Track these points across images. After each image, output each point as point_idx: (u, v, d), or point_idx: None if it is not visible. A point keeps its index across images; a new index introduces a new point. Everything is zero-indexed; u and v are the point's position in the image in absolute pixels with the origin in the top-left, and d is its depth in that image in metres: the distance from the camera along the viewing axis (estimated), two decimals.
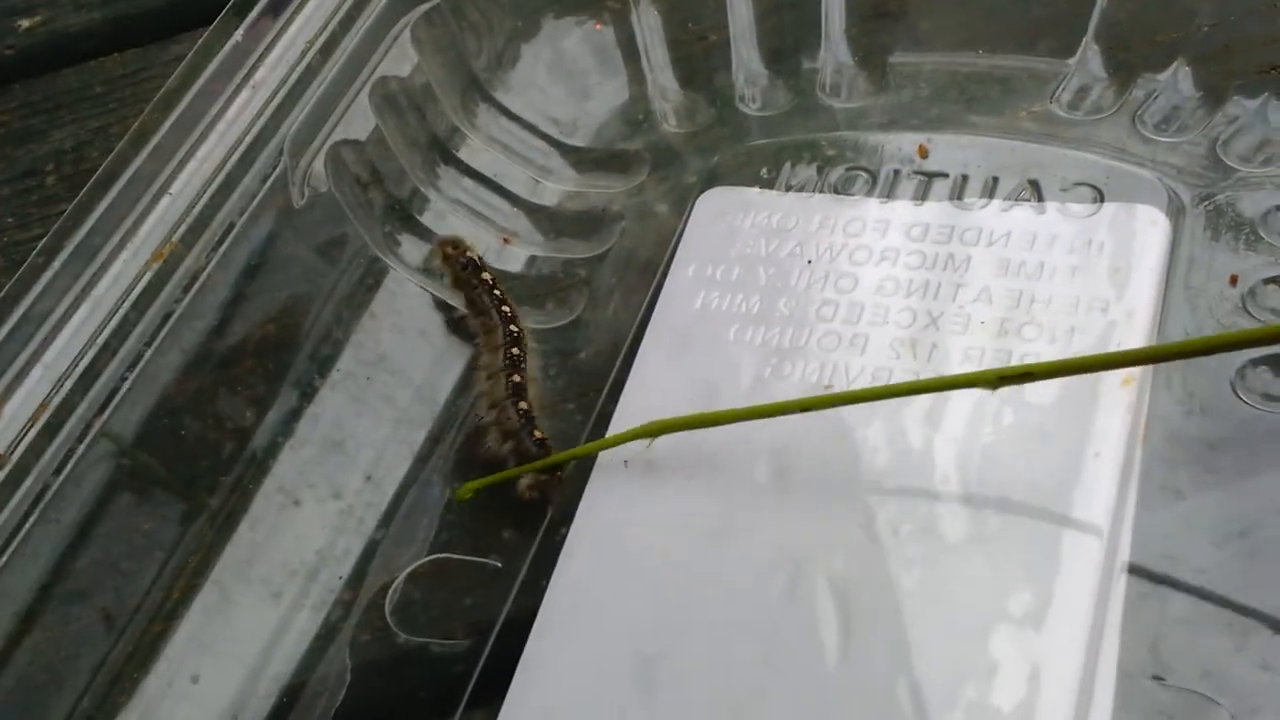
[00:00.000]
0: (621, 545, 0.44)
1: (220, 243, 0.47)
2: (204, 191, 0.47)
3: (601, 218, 0.55)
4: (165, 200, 0.47)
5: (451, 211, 0.54)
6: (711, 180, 0.54)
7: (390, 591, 0.45)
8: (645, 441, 0.45)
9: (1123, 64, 0.52)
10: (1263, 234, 0.47)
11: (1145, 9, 0.53)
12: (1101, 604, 0.39)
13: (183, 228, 0.46)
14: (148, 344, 0.45)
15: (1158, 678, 0.38)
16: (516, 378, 0.48)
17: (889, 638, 0.40)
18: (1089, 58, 0.53)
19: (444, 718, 0.42)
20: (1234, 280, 0.46)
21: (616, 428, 0.47)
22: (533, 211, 0.55)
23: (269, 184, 0.48)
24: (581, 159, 0.57)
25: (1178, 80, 0.51)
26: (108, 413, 0.44)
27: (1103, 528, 0.40)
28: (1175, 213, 0.48)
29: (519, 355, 0.48)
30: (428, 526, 0.47)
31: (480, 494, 0.46)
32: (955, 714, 0.38)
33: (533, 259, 0.54)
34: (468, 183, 0.55)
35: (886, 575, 0.41)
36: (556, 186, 0.56)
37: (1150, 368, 0.44)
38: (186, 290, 0.46)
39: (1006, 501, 0.42)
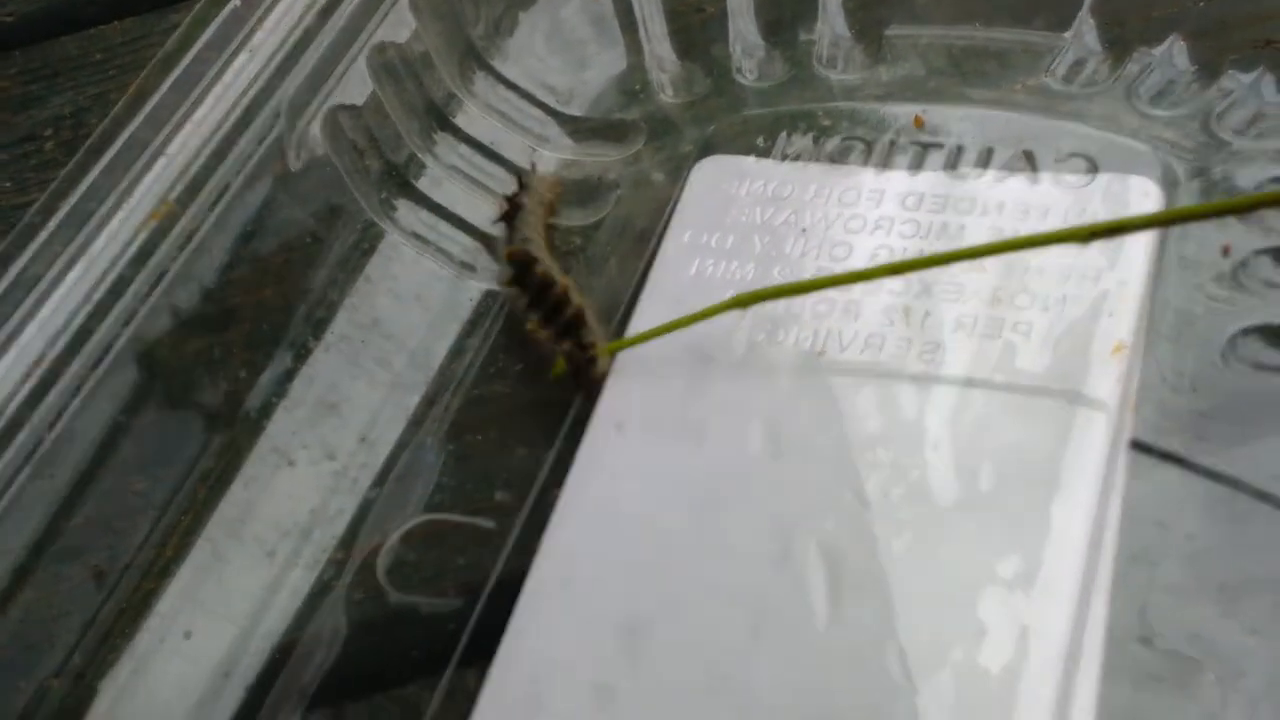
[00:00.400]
0: (612, 510, 0.44)
1: (215, 204, 0.47)
2: (200, 153, 0.47)
3: (597, 186, 0.55)
4: (161, 162, 0.47)
5: (448, 178, 0.54)
6: (707, 150, 0.54)
7: (383, 551, 0.45)
8: (637, 405, 0.45)
9: (1118, 38, 0.52)
10: None
11: None
12: (1090, 568, 0.39)
13: (178, 188, 0.46)
14: (142, 302, 0.45)
15: (1145, 641, 0.38)
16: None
17: (878, 602, 0.40)
18: (1084, 32, 0.53)
19: (435, 676, 0.42)
20: (1226, 250, 0.46)
21: (611, 393, 0.47)
22: None
23: (265, 147, 0.48)
24: (578, 128, 0.57)
25: (1173, 54, 0.51)
26: (101, 369, 0.44)
27: (1092, 493, 0.41)
28: (1169, 184, 0.48)
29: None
30: (421, 488, 0.47)
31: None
32: (943, 676, 0.38)
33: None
34: (464, 149, 0.55)
35: (876, 540, 0.41)
36: (553, 155, 0.56)
37: (1141, 335, 0.44)
38: (181, 250, 0.46)
39: (997, 467, 0.42)
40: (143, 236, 0.45)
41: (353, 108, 0.51)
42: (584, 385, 0.47)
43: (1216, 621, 0.38)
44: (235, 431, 0.47)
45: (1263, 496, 0.40)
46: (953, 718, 0.37)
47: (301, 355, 0.48)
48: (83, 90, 0.65)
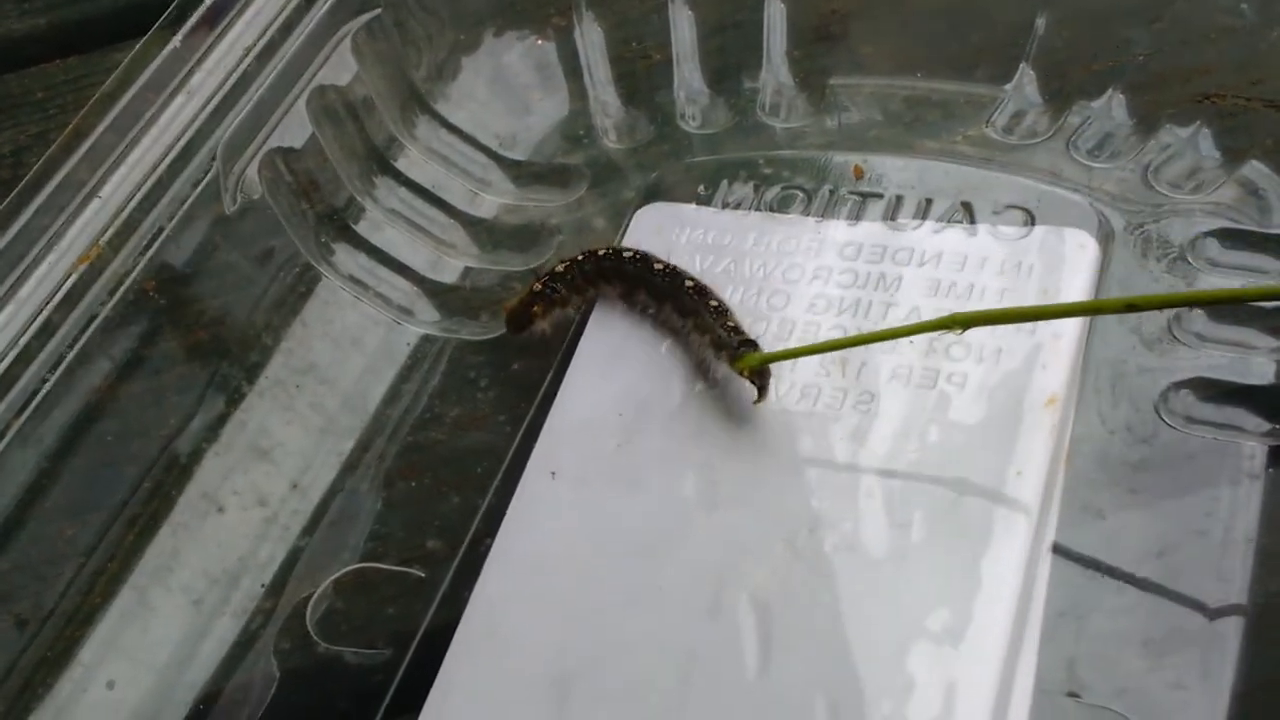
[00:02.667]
0: (545, 559, 0.44)
1: (148, 247, 0.46)
2: (134, 195, 0.46)
3: (539, 231, 0.55)
4: (95, 204, 0.46)
5: (388, 222, 0.54)
6: (650, 196, 0.54)
7: (313, 600, 0.45)
8: (572, 453, 0.45)
9: (1058, 91, 0.53)
10: (1190, 259, 0.47)
11: (1081, 37, 0.53)
12: (1020, 621, 0.39)
13: (110, 231, 0.46)
14: (70, 347, 0.44)
15: (1073, 695, 0.38)
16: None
17: (808, 654, 0.40)
18: (1025, 84, 0.53)
19: None
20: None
21: (546, 440, 0.46)
22: (470, 223, 0.55)
23: (200, 189, 0.48)
24: (521, 173, 0.57)
25: (1112, 107, 0.52)
26: (26, 414, 0.43)
27: (1024, 546, 0.41)
28: (1105, 237, 0.48)
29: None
30: (353, 535, 0.46)
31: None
32: None
33: (468, 270, 0.54)
34: (404, 193, 0.55)
35: (808, 591, 0.41)
36: (495, 199, 0.56)
37: (1074, 391, 0.44)
38: (113, 294, 0.45)
39: (929, 518, 0.42)
40: (73, 279, 0.45)
41: (291, 150, 0.51)
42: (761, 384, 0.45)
43: (1144, 676, 0.38)
44: (164, 476, 0.46)
45: None
46: None
47: (234, 400, 0.48)
48: (23, 129, 0.65)
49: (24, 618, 0.43)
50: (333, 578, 0.45)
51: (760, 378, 0.45)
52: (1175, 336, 0.45)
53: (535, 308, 0.49)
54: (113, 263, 0.45)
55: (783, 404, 0.45)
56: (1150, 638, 0.39)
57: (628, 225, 0.53)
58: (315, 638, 0.44)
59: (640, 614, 0.42)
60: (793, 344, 0.47)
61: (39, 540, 0.45)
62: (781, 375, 0.46)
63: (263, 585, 0.45)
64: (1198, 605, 0.39)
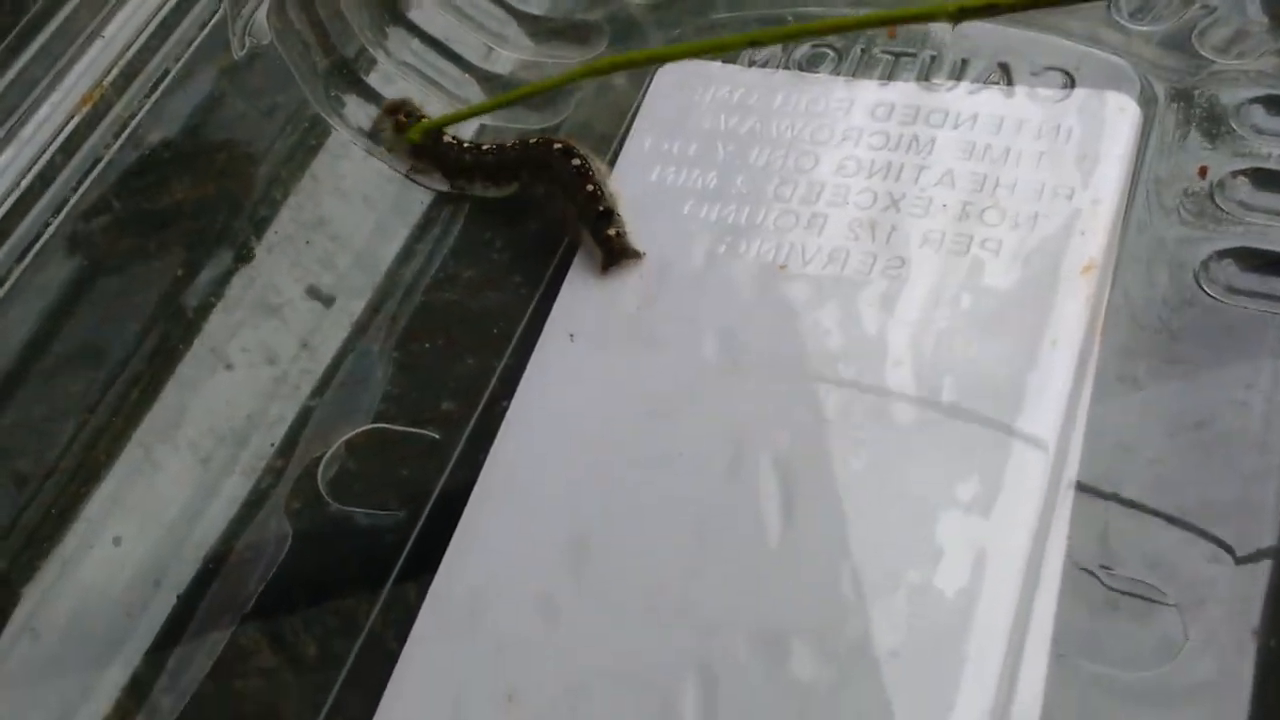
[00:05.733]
0: (562, 421, 0.43)
1: (153, 90, 0.45)
2: (138, 37, 0.44)
3: (557, 89, 0.53)
4: (98, 44, 0.44)
5: (399, 74, 0.52)
6: None
7: (324, 460, 0.44)
8: (591, 314, 0.44)
9: None
10: (1235, 126, 0.46)
11: None
12: (1051, 492, 0.38)
13: (114, 72, 0.44)
14: (72, 191, 0.42)
15: (1105, 567, 0.37)
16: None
17: (831, 519, 0.39)
18: None
19: (374, 589, 0.41)
20: (1203, 172, 0.45)
21: (564, 301, 0.45)
22: (485, 79, 0.53)
23: (207, 32, 0.46)
24: (538, 28, 0.55)
25: None
26: (26, 262, 0.42)
27: (1056, 416, 0.39)
28: (1147, 102, 0.47)
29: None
30: (365, 397, 0.45)
31: None
32: (897, 598, 0.37)
33: (483, 128, 0.52)
34: (417, 45, 0.52)
35: (833, 456, 0.40)
36: (511, 55, 0.54)
37: (1113, 255, 0.43)
38: (116, 138, 0.44)
39: (959, 387, 0.40)
40: (75, 121, 0.43)
41: None
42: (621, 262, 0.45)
43: (1177, 548, 0.37)
44: (170, 330, 0.44)
45: None
46: (905, 641, 0.36)
47: (242, 255, 0.46)
48: None
49: (24, 474, 0.42)
50: (345, 438, 0.44)
51: (607, 243, 0.45)
52: (1217, 204, 0.44)
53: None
54: (116, 106, 0.44)
55: (809, 268, 0.44)
56: (1186, 509, 0.38)
57: (650, 83, 0.51)
58: (327, 498, 0.43)
59: (658, 475, 0.41)
60: (820, 207, 0.45)
61: (40, 396, 0.44)
62: (808, 240, 0.45)
63: (272, 444, 0.44)
64: (1236, 477, 0.38)
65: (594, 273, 0.45)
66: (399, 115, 0.50)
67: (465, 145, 0.50)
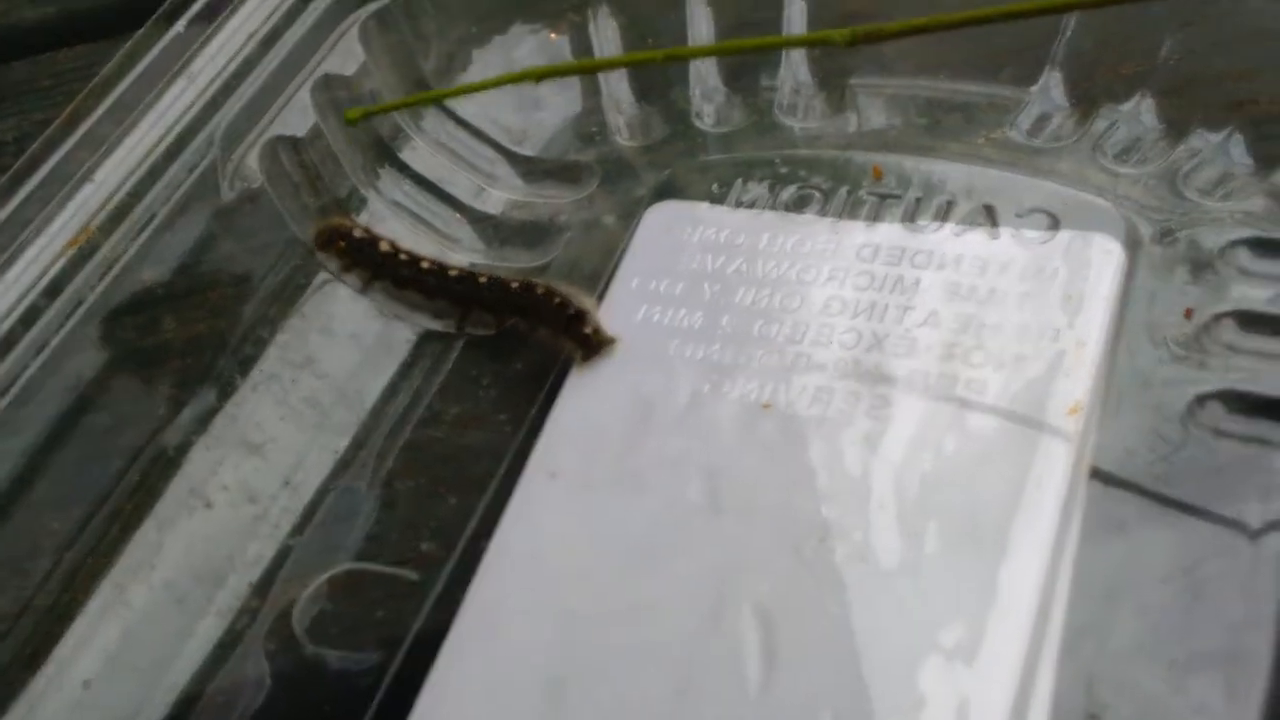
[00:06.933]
0: (541, 562, 0.42)
1: (141, 231, 0.45)
2: (127, 180, 0.45)
3: (547, 228, 0.53)
4: (88, 188, 0.45)
5: (391, 214, 0.52)
6: (662, 194, 0.52)
7: (301, 601, 0.43)
8: (573, 453, 0.44)
9: (1085, 94, 0.51)
10: (1220, 268, 0.45)
11: (1110, 40, 0.52)
12: (1037, 639, 0.38)
13: (102, 215, 0.44)
14: (55, 331, 0.43)
15: (1093, 716, 0.36)
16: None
17: (813, 668, 0.38)
18: (1051, 86, 0.52)
19: None
20: (1189, 314, 0.45)
21: (547, 440, 0.45)
22: (476, 219, 0.54)
23: (196, 174, 0.46)
24: (530, 169, 0.55)
25: (1140, 112, 0.50)
26: (8, 400, 0.42)
27: (1042, 561, 0.39)
28: (1132, 244, 0.47)
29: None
30: (346, 536, 0.45)
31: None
32: None
33: (474, 267, 0.52)
34: (409, 186, 0.53)
35: (815, 602, 0.39)
36: (502, 195, 0.55)
37: (1099, 396, 0.43)
38: (102, 278, 0.44)
39: (943, 529, 0.40)
40: (61, 263, 0.43)
41: (293, 139, 0.50)
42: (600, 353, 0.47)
43: (1167, 699, 0.36)
44: (151, 470, 0.44)
45: None
46: None
47: (226, 392, 0.46)
48: (28, 116, 0.63)
49: (2, 613, 0.42)
50: (322, 578, 0.43)
51: (586, 341, 0.46)
52: (1204, 346, 0.43)
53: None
54: (103, 247, 0.44)
55: (794, 408, 0.44)
56: (1174, 658, 0.37)
57: (639, 222, 0.51)
58: (302, 640, 0.42)
59: (639, 621, 0.40)
60: (805, 347, 0.45)
61: (23, 534, 0.44)
62: (793, 379, 0.44)
63: (250, 584, 0.44)
64: (1225, 625, 0.37)
65: (579, 405, 0.46)
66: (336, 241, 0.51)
67: (404, 256, 0.50)
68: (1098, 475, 0.41)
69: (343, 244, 0.50)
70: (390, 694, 0.41)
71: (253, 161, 0.48)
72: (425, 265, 0.49)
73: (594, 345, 0.46)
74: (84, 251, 0.44)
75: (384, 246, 0.50)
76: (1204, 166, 0.48)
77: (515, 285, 0.48)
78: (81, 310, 0.44)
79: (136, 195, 0.45)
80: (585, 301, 0.47)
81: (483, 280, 0.49)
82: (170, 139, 0.47)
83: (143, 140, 0.46)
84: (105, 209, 0.45)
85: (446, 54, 0.56)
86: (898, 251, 0.48)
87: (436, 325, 0.50)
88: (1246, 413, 0.42)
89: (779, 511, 0.41)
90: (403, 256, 0.49)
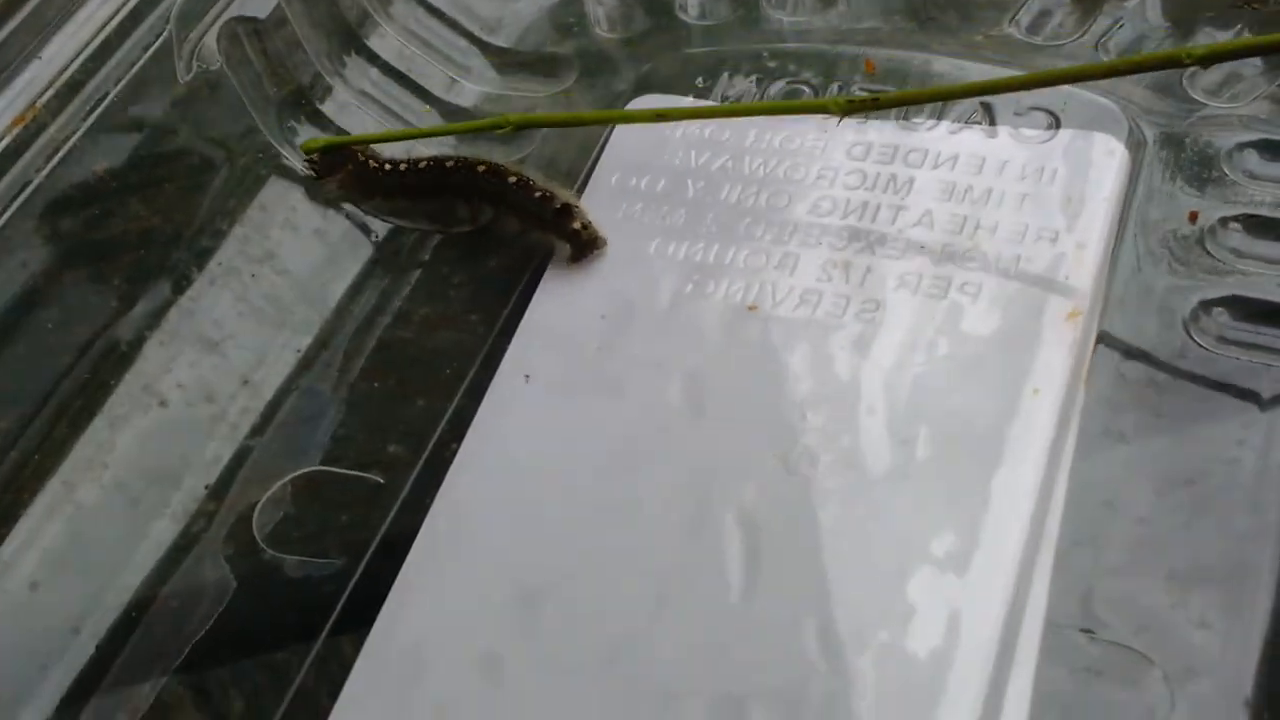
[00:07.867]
0: (515, 467, 0.40)
1: (90, 112, 0.42)
2: (77, 57, 0.42)
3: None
4: (35, 64, 0.42)
5: (358, 105, 0.50)
6: (643, 89, 0.50)
7: (260, 505, 0.41)
8: (549, 355, 0.42)
9: None
10: (1226, 171, 0.44)
11: None
12: (1031, 550, 0.36)
13: (49, 93, 0.41)
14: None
15: (1087, 631, 0.35)
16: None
17: (798, 575, 0.36)
18: None
19: (308, 643, 0.38)
20: (1193, 217, 0.43)
21: (521, 341, 0.43)
22: (448, 112, 0.51)
23: (151, 53, 0.44)
24: (505, 60, 0.53)
25: (1145, 9, 0.48)
26: None
27: (1037, 469, 0.37)
28: (1135, 145, 0.45)
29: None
30: (308, 438, 0.43)
31: None
32: (865, 659, 0.34)
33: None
34: (376, 74, 0.51)
35: (801, 509, 0.37)
36: (475, 87, 0.52)
37: (1098, 305, 0.41)
38: (49, 161, 0.41)
39: (935, 436, 0.38)
40: (5, 141, 0.40)
41: (254, 20, 0.47)
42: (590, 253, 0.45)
43: (1165, 613, 0.35)
44: (101, 365, 0.42)
45: None
46: (874, 704, 0.34)
47: (182, 286, 0.44)
48: None
49: None
50: (283, 481, 0.41)
51: (575, 237, 0.44)
52: (1208, 251, 0.42)
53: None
54: (50, 127, 0.41)
55: (780, 310, 0.42)
56: (1174, 571, 0.36)
57: None
58: (262, 545, 0.40)
59: (616, 528, 0.38)
60: (793, 247, 0.43)
61: None
62: (780, 280, 0.42)
63: (206, 486, 0.42)
64: (1227, 537, 0.36)
65: (559, 299, 0.44)
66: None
67: (385, 166, 0.48)
68: (1096, 383, 0.39)
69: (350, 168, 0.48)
70: (354, 601, 0.39)
71: (211, 42, 0.46)
72: (423, 165, 0.47)
73: (584, 243, 0.44)
74: (30, 130, 0.41)
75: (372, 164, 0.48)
76: (1211, 67, 0.46)
77: (513, 179, 0.46)
78: (27, 192, 0.41)
79: (87, 73, 0.43)
80: (572, 196, 0.45)
81: (484, 170, 0.47)
82: (122, 15, 0.44)
83: (95, 15, 0.43)
84: (53, 86, 0.42)
85: None
86: (890, 150, 0.46)
87: (401, 222, 0.48)
88: (1251, 320, 0.40)
89: (763, 416, 0.40)
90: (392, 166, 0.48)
